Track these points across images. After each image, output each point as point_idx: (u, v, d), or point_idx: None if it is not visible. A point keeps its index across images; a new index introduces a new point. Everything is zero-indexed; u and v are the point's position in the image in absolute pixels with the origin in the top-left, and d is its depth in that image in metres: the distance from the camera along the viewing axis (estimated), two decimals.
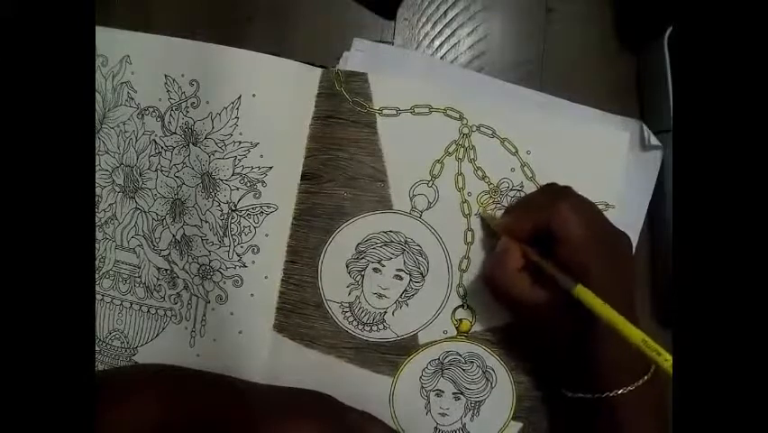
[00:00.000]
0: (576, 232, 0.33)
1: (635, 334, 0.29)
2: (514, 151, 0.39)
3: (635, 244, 0.39)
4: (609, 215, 0.36)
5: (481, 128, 0.39)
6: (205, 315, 0.39)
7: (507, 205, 0.39)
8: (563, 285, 0.32)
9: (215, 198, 0.38)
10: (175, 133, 0.39)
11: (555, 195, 0.35)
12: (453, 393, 0.39)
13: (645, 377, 0.33)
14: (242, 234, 0.38)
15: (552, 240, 0.33)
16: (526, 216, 0.35)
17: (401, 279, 0.39)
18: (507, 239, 0.36)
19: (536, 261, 0.34)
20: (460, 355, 0.39)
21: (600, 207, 0.37)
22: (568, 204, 0.33)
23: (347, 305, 0.39)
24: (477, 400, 0.39)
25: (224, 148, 0.38)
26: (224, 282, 0.38)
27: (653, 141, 0.39)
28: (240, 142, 0.38)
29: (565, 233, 0.33)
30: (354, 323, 0.39)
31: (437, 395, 0.39)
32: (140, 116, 0.39)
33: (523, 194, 0.39)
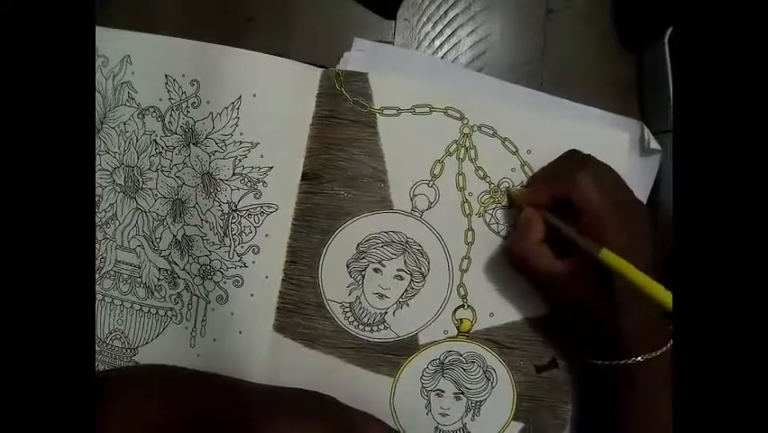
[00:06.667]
0: (595, 202, 0.32)
1: (663, 294, 0.27)
2: (514, 150, 0.39)
3: None
4: None
5: (482, 128, 0.39)
6: (205, 315, 0.39)
7: (507, 204, 0.39)
8: (588, 250, 0.31)
9: (216, 198, 0.38)
10: (175, 133, 0.39)
11: (575, 164, 0.35)
12: (454, 393, 0.39)
13: (670, 343, 0.32)
14: (243, 234, 0.38)
15: (572, 210, 0.33)
16: (546, 187, 0.35)
17: (402, 279, 0.39)
18: (529, 210, 0.35)
19: (559, 226, 0.33)
20: (460, 355, 0.39)
21: None
22: (586, 173, 0.33)
23: (347, 305, 0.39)
24: (478, 400, 0.39)
25: (224, 148, 0.38)
26: (225, 282, 0.38)
27: (653, 144, 0.39)
28: (240, 142, 0.38)
29: (584, 203, 0.32)
30: (355, 323, 0.39)
31: (438, 395, 0.39)
32: (140, 116, 0.39)
33: None
